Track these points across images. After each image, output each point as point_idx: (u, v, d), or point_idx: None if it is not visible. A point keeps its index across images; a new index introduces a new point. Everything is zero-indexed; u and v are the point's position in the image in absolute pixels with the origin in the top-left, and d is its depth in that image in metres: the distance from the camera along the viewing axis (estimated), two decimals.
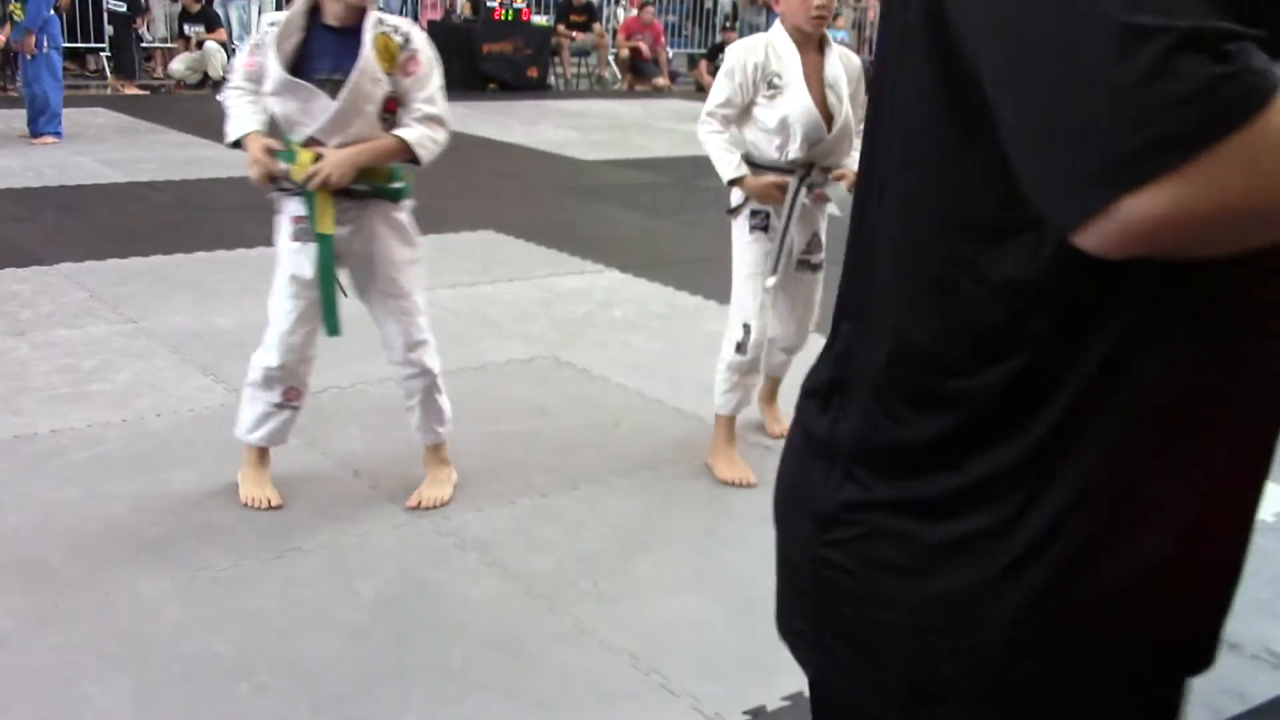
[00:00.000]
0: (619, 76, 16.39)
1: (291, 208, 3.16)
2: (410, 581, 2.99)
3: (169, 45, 13.88)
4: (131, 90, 12.66)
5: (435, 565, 3.07)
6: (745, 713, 2.52)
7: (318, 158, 3.04)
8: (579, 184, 8.81)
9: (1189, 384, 0.87)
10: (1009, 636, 0.93)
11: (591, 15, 16.48)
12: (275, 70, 3.02)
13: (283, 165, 3.08)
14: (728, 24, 17.12)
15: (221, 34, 13.38)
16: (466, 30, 14.82)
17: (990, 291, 0.88)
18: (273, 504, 3.32)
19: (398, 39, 3.09)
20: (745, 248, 3.66)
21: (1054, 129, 0.75)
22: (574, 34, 16.15)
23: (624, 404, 4.27)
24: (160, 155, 8.74)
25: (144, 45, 13.77)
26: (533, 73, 15.00)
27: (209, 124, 10.80)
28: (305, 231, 3.14)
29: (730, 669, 2.67)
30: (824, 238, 3.79)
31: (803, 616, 1.07)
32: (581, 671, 2.64)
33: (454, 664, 2.64)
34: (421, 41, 3.15)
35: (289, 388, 3.28)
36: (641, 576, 3.07)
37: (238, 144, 3.14)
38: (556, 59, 15.76)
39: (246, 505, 3.31)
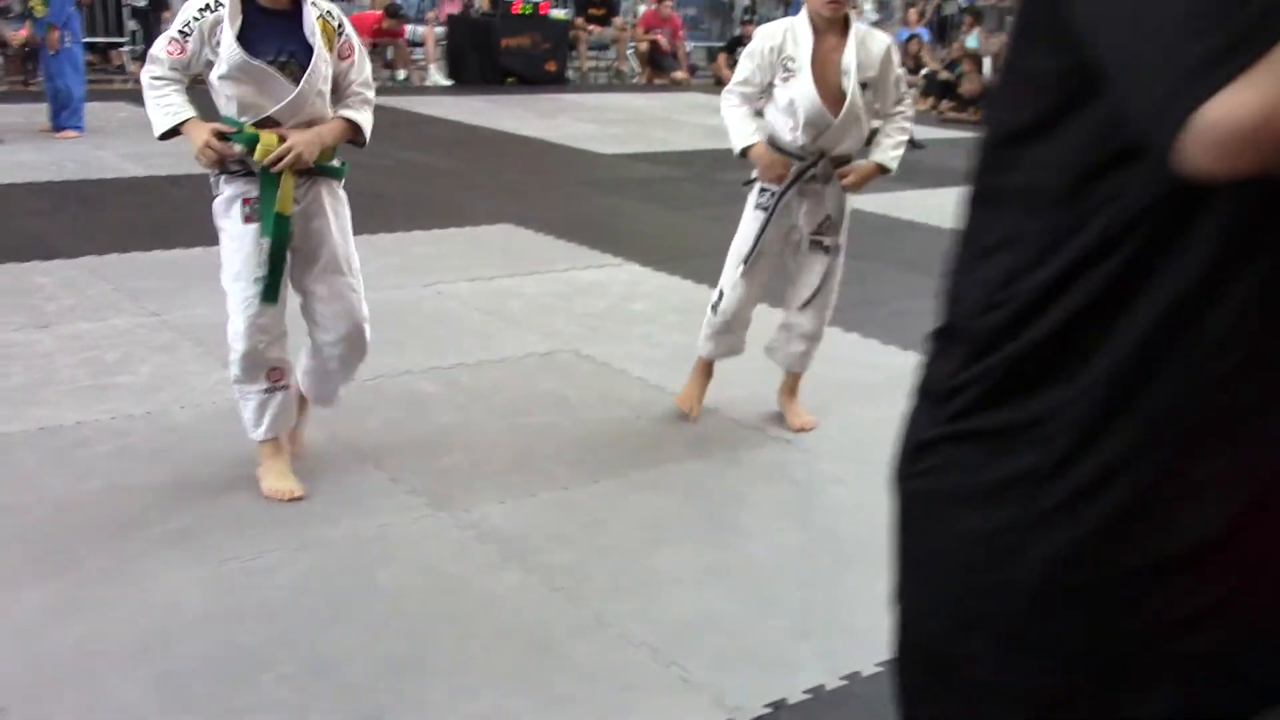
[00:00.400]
0: (637, 70, 16.38)
1: (240, 190, 3.19)
2: (431, 574, 3.00)
3: None
4: None
5: (456, 558, 3.08)
6: (766, 706, 2.52)
7: (281, 139, 3.10)
8: (598, 178, 8.81)
9: (1252, 352, 0.88)
10: (1043, 581, 0.96)
11: (611, 9, 16.47)
12: (235, 54, 3.06)
13: (238, 148, 3.12)
14: (746, 17, 17.07)
15: None
16: (485, 24, 14.83)
17: (1057, 247, 0.93)
18: (295, 495, 3.33)
19: (334, 23, 3.22)
20: (745, 223, 3.88)
21: (1139, 61, 0.81)
22: (592, 27, 16.14)
23: (644, 397, 4.27)
24: (181, 149, 8.65)
25: None
26: (551, 66, 15.00)
27: None
28: (259, 212, 3.18)
29: (751, 662, 2.67)
30: (839, 219, 3.83)
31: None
32: (602, 664, 2.64)
33: (474, 656, 2.65)
34: (350, 26, 3.30)
35: (271, 369, 3.31)
36: (662, 570, 3.07)
37: (172, 133, 3.16)
38: (574, 53, 15.75)
39: (268, 498, 3.32)
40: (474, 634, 2.73)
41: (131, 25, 13.42)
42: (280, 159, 3.09)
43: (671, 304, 5.47)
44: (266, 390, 3.31)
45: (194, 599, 2.82)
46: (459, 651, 2.67)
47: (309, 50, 3.13)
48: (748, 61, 3.72)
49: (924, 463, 1.06)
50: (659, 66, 16.29)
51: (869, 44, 3.67)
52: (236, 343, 3.24)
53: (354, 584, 2.92)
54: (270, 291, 3.20)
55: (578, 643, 2.72)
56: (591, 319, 5.17)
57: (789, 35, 3.66)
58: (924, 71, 14.97)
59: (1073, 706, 0.98)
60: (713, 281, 5.80)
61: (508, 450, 3.75)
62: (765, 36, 3.71)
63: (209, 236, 6.09)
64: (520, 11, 14.67)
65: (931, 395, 1.07)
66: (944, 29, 18.02)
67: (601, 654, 2.68)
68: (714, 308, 3.96)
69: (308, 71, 3.11)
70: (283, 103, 3.10)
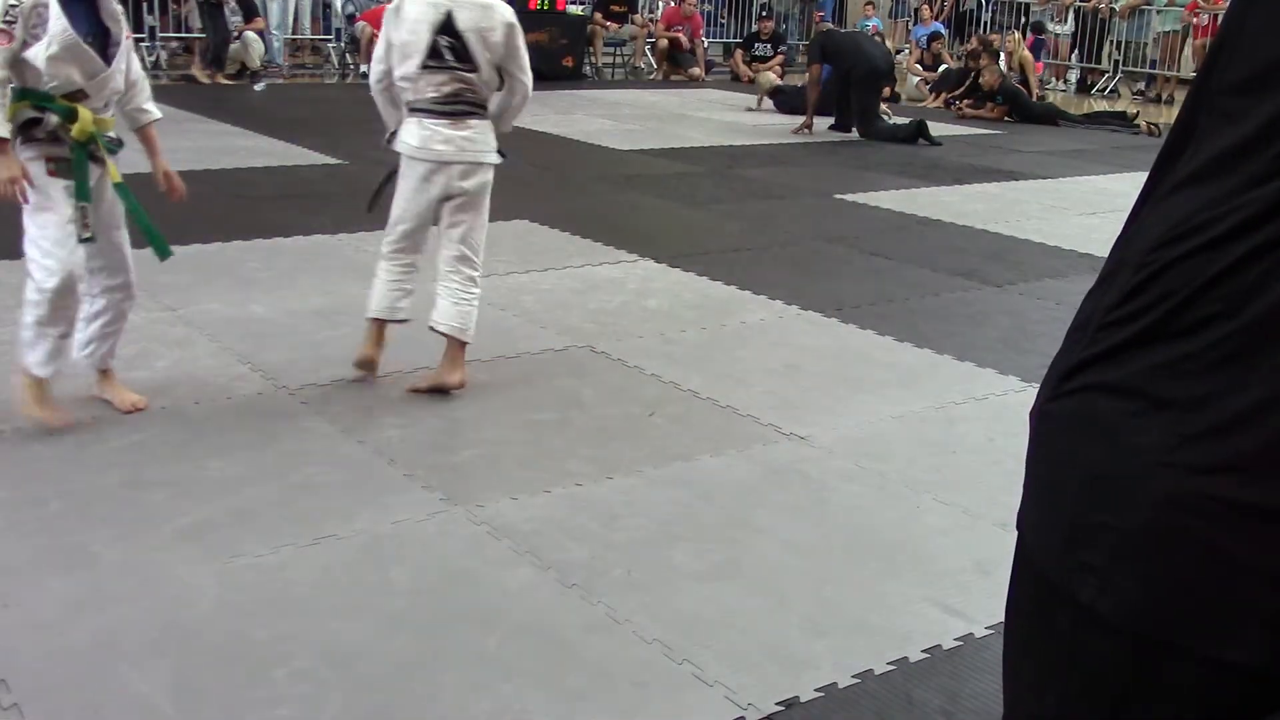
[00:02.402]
0: (654, 66, 16.37)
1: (41, 151, 3.48)
2: (444, 569, 3.00)
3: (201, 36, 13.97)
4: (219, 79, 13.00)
5: (469, 553, 3.09)
6: (778, 703, 2.52)
7: (94, 115, 3.47)
8: (614, 174, 8.81)
9: None
10: (1160, 509, 0.97)
11: (631, 6, 16.49)
12: (68, 35, 3.36)
13: (54, 119, 3.45)
14: (764, 14, 17.06)
15: (259, 23, 13.46)
16: None
17: (1255, 187, 0.95)
18: (68, 421, 3.68)
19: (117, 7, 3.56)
20: None
21: None
22: (610, 24, 16.15)
23: (658, 394, 4.27)
24: (199, 145, 8.80)
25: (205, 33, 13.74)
26: (568, 62, 15.01)
27: (247, 114, 10.89)
28: (64, 170, 3.51)
29: (763, 660, 2.67)
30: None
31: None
32: (614, 661, 2.65)
33: (487, 652, 2.66)
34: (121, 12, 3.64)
35: (70, 316, 3.64)
36: (675, 566, 3.07)
37: None
38: (589, 49, 15.75)
39: (39, 421, 3.66)
40: (487, 630, 2.74)
41: (150, 21, 13.49)
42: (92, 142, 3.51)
43: (686, 300, 5.47)
44: (61, 336, 3.63)
45: (208, 593, 2.83)
46: (472, 647, 2.67)
47: (105, 32, 3.48)
48: None
49: (1067, 385, 1.07)
50: (676, 63, 16.29)
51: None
52: (47, 281, 3.49)
53: (367, 579, 2.93)
54: (161, 247, 3.77)
55: (590, 639, 2.73)
56: (606, 315, 5.18)
57: None
58: (942, 68, 14.91)
59: (1170, 642, 0.99)
60: (728, 278, 5.83)
61: (522, 446, 3.76)
62: None
63: (225, 232, 6.16)
64: (538, 7, 14.68)
65: (1086, 325, 1.08)
66: (962, 24, 17.95)
67: (614, 650, 2.69)
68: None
69: (120, 51, 3.51)
70: (94, 79, 3.45)
